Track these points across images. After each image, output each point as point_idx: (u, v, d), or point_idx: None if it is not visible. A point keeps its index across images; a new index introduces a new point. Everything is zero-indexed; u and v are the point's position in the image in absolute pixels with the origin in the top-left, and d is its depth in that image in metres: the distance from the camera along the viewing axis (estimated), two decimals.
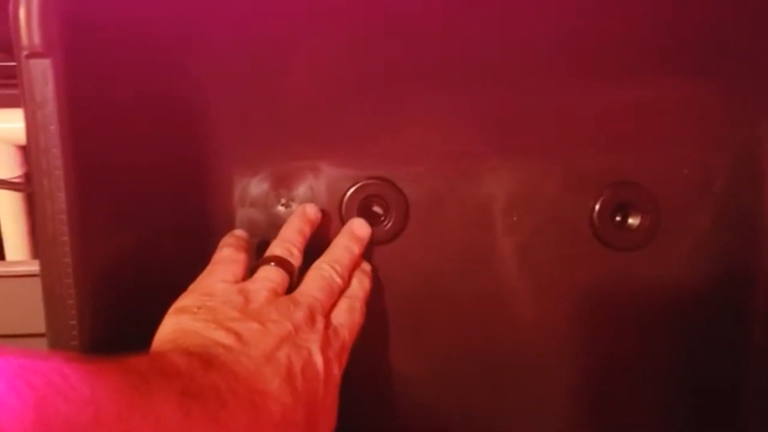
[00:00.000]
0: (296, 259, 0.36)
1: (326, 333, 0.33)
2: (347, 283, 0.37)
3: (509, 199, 0.41)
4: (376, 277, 0.40)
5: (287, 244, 0.37)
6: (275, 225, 0.39)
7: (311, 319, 0.33)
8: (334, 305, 0.36)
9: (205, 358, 0.28)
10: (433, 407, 0.43)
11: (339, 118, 0.41)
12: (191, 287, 0.34)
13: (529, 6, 0.39)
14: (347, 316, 0.36)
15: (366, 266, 0.39)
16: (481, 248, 0.42)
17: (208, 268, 0.35)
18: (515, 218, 0.41)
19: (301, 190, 0.41)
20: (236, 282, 0.34)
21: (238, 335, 0.30)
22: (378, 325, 0.42)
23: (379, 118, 0.41)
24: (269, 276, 0.35)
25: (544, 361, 0.43)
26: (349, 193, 0.41)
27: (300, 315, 0.33)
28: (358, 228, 0.40)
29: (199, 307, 0.31)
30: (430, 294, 0.42)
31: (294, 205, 0.41)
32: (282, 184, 0.41)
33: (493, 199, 0.41)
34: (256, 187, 0.41)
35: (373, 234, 0.40)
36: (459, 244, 0.41)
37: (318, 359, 0.32)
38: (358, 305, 0.37)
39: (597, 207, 0.41)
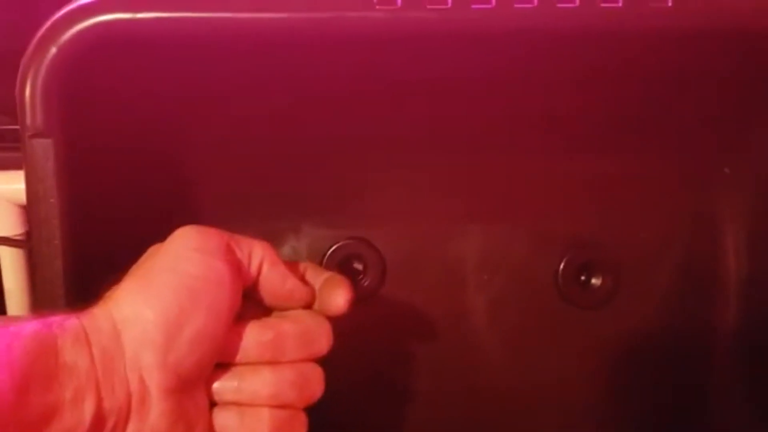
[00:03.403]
0: None
1: None
2: None
3: (480, 259, 0.44)
4: (354, 336, 0.43)
5: None
6: None
7: None
8: None
9: None
10: None
11: (320, 181, 0.43)
12: None
13: (509, 89, 0.41)
14: None
15: None
16: (454, 306, 0.44)
17: None
18: (486, 277, 0.44)
19: (283, 250, 0.43)
20: None
21: None
22: (358, 383, 0.44)
23: (358, 180, 0.44)
24: None
25: (520, 412, 0.45)
26: (329, 252, 0.43)
27: None
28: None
29: None
30: (408, 351, 0.44)
31: None
32: None
33: (465, 259, 0.44)
34: None
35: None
36: (434, 302, 0.44)
37: None
38: None
39: (561, 267, 0.43)
